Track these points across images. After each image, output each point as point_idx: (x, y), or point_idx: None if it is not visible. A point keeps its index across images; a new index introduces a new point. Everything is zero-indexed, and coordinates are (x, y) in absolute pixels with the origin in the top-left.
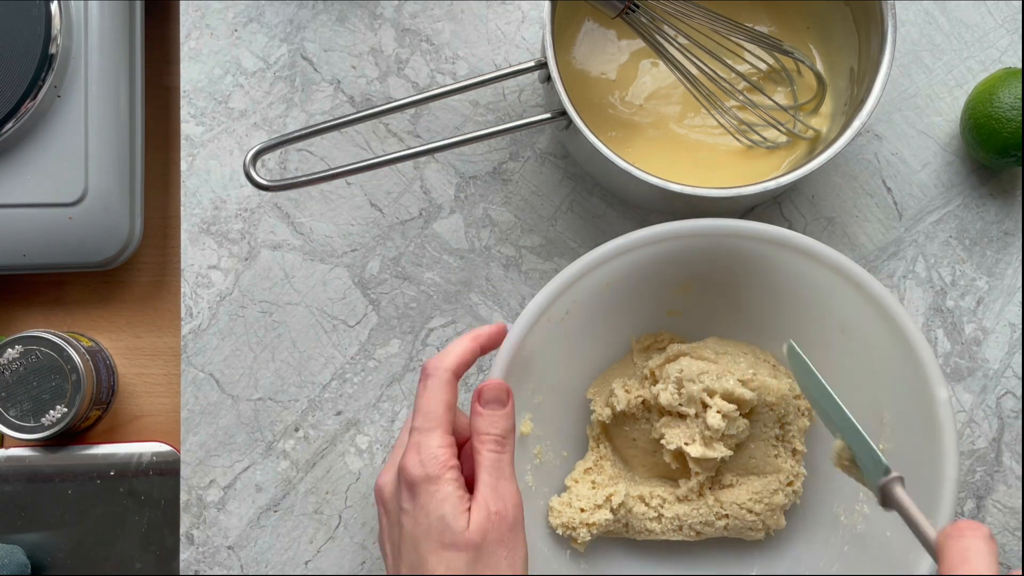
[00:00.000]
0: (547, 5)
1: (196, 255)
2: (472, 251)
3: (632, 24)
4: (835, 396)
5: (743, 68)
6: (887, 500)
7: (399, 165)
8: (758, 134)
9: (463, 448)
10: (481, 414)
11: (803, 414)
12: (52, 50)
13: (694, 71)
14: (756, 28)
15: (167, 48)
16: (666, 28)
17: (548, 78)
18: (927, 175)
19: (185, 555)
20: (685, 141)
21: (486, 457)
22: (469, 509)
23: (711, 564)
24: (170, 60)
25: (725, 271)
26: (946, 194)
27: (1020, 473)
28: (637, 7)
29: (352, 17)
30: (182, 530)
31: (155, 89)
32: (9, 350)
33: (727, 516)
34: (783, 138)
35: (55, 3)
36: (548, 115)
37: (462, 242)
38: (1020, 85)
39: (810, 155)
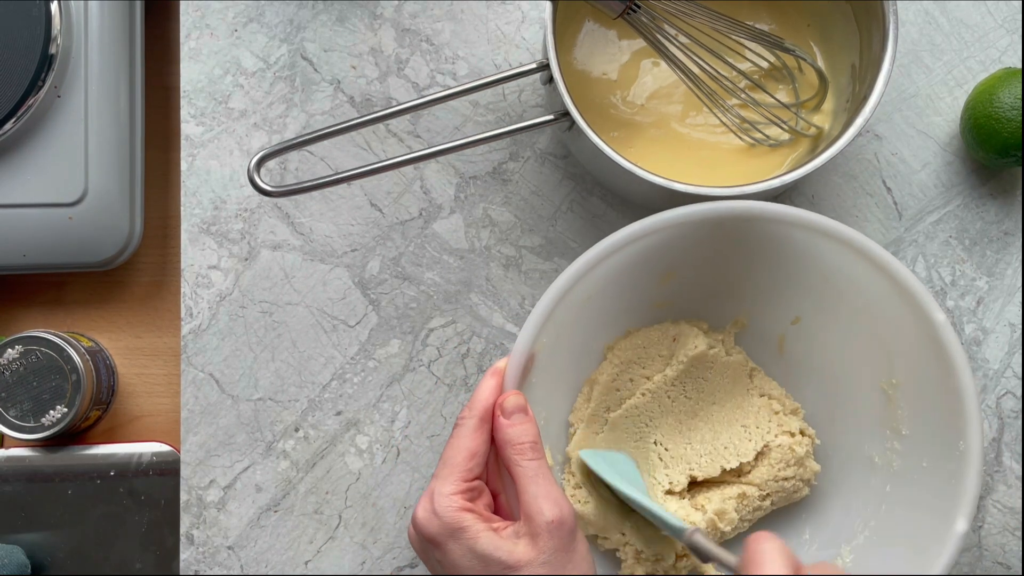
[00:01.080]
0: (548, 6)
1: (196, 255)
2: (472, 251)
3: (633, 24)
4: (626, 490)
5: (744, 66)
6: (694, 550)
7: None
8: (760, 132)
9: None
10: (511, 425)
11: (730, 354)
12: (52, 50)
13: (695, 70)
14: (757, 26)
15: (167, 48)
16: (667, 27)
17: (550, 79)
18: (927, 175)
19: (185, 555)
20: (687, 140)
21: (527, 467)
22: (501, 530)
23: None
24: (170, 60)
25: (702, 252)
26: (946, 194)
27: (1020, 473)
28: (638, 7)
29: (352, 17)
30: (182, 530)
31: (155, 89)
32: (9, 350)
33: (768, 495)
34: (785, 136)
35: (55, 3)
36: (551, 116)
37: (462, 242)
38: (1020, 85)
39: (812, 153)
